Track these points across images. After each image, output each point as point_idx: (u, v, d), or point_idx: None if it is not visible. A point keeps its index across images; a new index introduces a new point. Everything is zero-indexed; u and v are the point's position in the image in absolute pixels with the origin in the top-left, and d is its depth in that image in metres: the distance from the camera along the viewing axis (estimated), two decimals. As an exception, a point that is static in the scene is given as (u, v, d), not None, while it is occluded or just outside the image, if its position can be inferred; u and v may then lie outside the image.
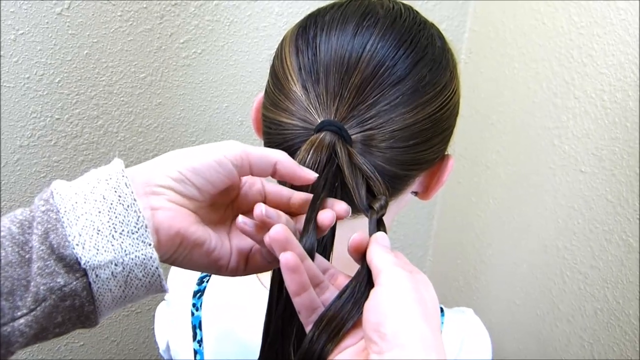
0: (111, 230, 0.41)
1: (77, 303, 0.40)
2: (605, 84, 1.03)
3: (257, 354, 0.53)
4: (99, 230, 0.40)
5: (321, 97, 0.52)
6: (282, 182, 0.51)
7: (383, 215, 0.50)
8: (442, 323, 0.68)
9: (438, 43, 0.56)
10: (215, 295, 0.70)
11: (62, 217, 0.40)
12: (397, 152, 0.53)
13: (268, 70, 0.61)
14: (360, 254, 0.47)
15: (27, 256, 0.39)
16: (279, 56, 0.58)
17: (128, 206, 0.41)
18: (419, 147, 0.54)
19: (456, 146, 1.50)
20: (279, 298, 0.51)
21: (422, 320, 0.40)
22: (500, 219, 1.34)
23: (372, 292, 0.43)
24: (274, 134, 0.56)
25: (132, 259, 0.41)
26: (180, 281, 0.74)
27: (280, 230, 0.44)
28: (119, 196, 0.41)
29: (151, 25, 1.10)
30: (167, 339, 0.75)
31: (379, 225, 0.49)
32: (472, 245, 1.43)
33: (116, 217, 0.41)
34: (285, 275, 0.45)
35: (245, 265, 0.50)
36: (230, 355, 0.68)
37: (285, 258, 0.44)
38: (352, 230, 0.59)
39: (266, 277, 0.65)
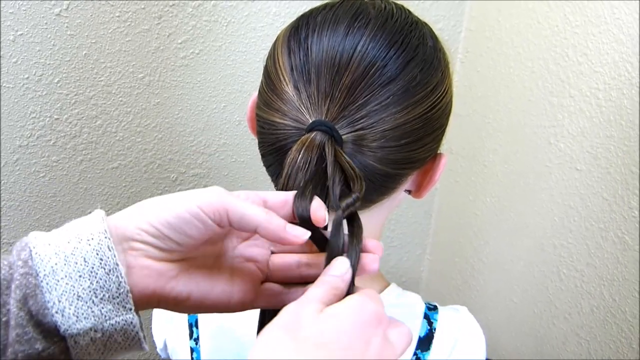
0: (91, 295, 0.39)
1: None
2: (600, 83, 1.04)
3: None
4: (79, 296, 0.39)
5: (312, 98, 0.53)
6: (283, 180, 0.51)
7: (351, 212, 0.49)
8: (436, 321, 0.68)
9: (429, 43, 0.57)
10: (211, 293, 0.71)
11: (42, 281, 0.39)
12: (389, 152, 0.53)
13: (264, 71, 0.61)
14: None
15: (4, 319, 0.38)
16: (272, 56, 0.58)
17: (109, 271, 0.40)
18: (411, 146, 0.54)
19: (453, 145, 1.51)
20: None
21: None
22: (497, 217, 1.34)
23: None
24: (267, 133, 0.57)
25: (112, 325, 0.40)
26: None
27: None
28: (101, 259, 0.40)
29: (149, 26, 1.10)
30: (165, 337, 0.75)
31: (352, 221, 0.49)
32: (470, 244, 1.44)
33: (97, 282, 0.40)
34: None
35: (255, 296, 0.48)
36: (227, 352, 0.68)
37: None
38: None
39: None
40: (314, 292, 0.41)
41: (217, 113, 1.23)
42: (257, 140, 0.62)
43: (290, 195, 0.47)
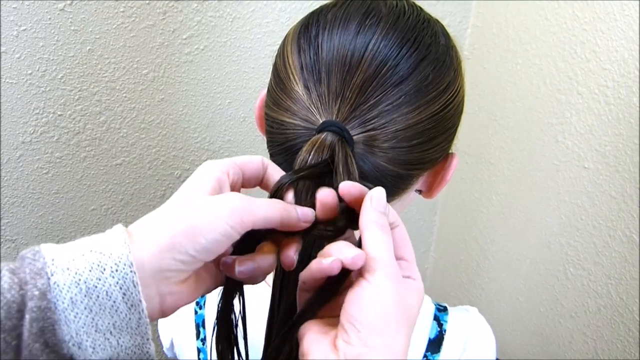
0: (110, 327, 0.39)
1: None
2: (609, 80, 1.03)
3: (260, 352, 0.53)
4: (98, 329, 0.38)
5: (323, 97, 0.52)
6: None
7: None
8: (446, 322, 0.68)
9: (442, 41, 0.56)
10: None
11: (60, 315, 0.37)
12: (400, 152, 0.52)
13: (271, 67, 0.60)
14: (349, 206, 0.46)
15: (13, 343, 0.37)
16: (281, 54, 0.57)
17: (132, 306, 0.39)
18: (423, 146, 0.54)
19: (459, 142, 1.49)
20: (281, 295, 0.51)
21: (396, 332, 0.40)
22: (503, 215, 1.33)
23: (359, 284, 0.41)
24: (276, 133, 0.56)
25: (129, 354, 0.40)
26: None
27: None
28: (124, 294, 0.39)
29: (154, 22, 1.09)
30: (171, 337, 0.75)
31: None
32: (475, 242, 1.43)
33: (118, 316, 0.39)
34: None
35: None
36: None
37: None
38: None
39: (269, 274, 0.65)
40: (388, 259, 0.43)
41: (222, 109, 1.23)
42: (264, 139, 0.61)
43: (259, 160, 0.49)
